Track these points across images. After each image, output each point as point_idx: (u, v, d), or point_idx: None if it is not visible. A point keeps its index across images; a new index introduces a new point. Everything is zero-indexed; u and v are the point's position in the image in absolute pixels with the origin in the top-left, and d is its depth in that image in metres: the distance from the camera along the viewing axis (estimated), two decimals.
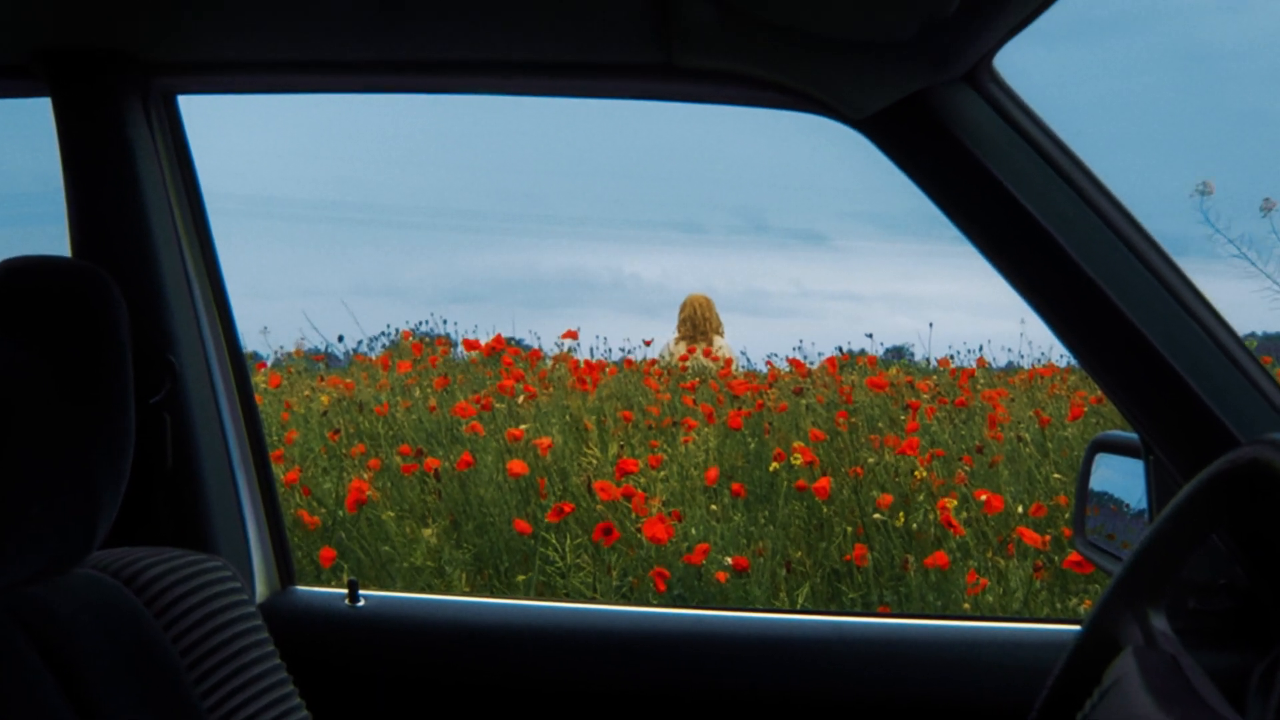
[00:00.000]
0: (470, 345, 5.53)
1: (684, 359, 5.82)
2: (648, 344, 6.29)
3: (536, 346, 6.16)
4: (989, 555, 3.43)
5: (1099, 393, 3.92)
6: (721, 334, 6.07)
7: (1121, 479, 1.37)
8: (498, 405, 4.58)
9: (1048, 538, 3.39)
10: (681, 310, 6.07)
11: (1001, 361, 6.49)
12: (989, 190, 1.21)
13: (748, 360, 6.64)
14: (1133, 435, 1.32)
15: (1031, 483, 4.04)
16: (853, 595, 3.43)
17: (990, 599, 3.20)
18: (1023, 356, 6.69)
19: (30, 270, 0.89)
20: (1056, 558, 3.41)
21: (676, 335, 6.06)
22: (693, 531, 3.64)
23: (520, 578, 3.56)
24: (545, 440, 4.04)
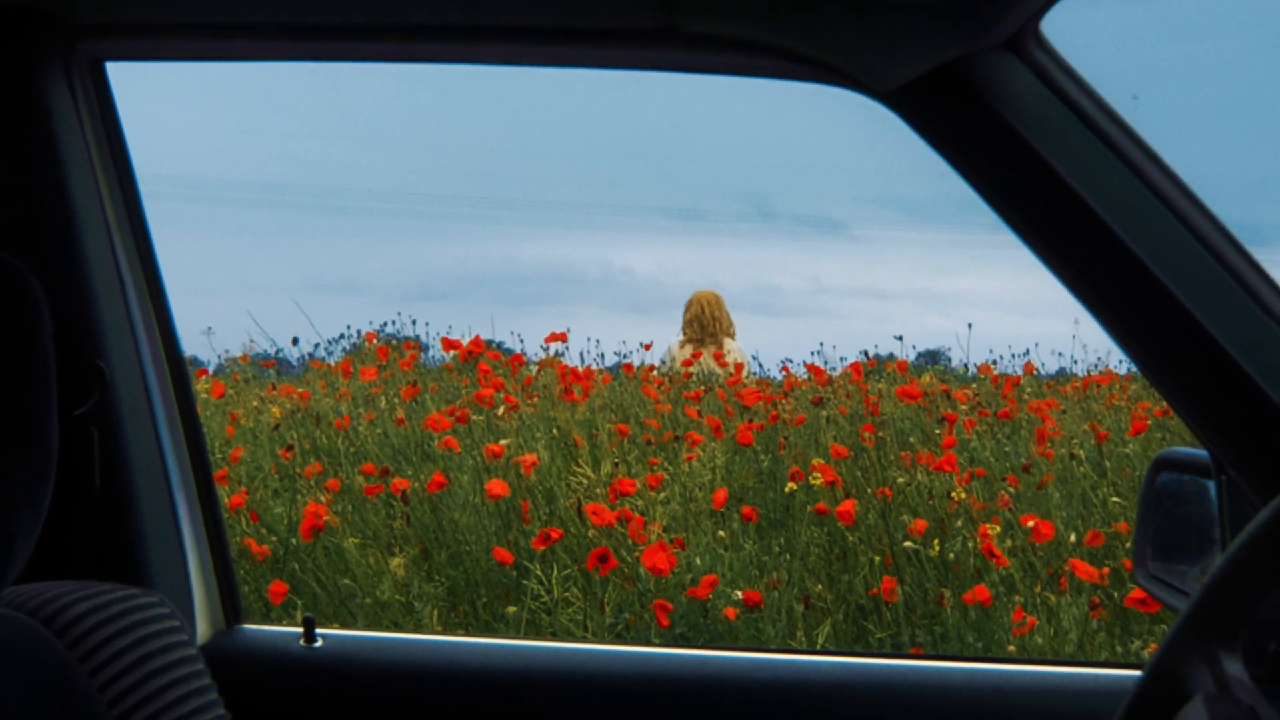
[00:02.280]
0: (449, 345, 5.53)
1: (688, 363, 5.83)
2: (647, 348, 6.30)
3: (519, 350, 6.16)
4: (1038, 590, 3.43)
5: (1164, 404, 3.92)
6: (733, 335, 6.08)
7: (1190, 502, 1.37)
8: (475, 417, 4.58)
9: (1105, 570, 3.38)
10: (687, 309, 6.08)
11: (1051, 367, 6.50)
12: (1035, 172, 1.21)
13: (760, 366, 6.65)
14: (1202, 452, 1.32)
15: (1086, 507, 4.04)
16: (880, 635, 3.42)
17: (1039, 640, 3.20)
18: (1076, 362, 6.71)
19: None
20: (1116, 594, 3.41)
21: (682, 337, 6.07)
22: (697, 561, 3.63)
23: (510, 609, 3.55)
24: (529, 457, 4.04)
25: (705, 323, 6.07)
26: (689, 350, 5.96)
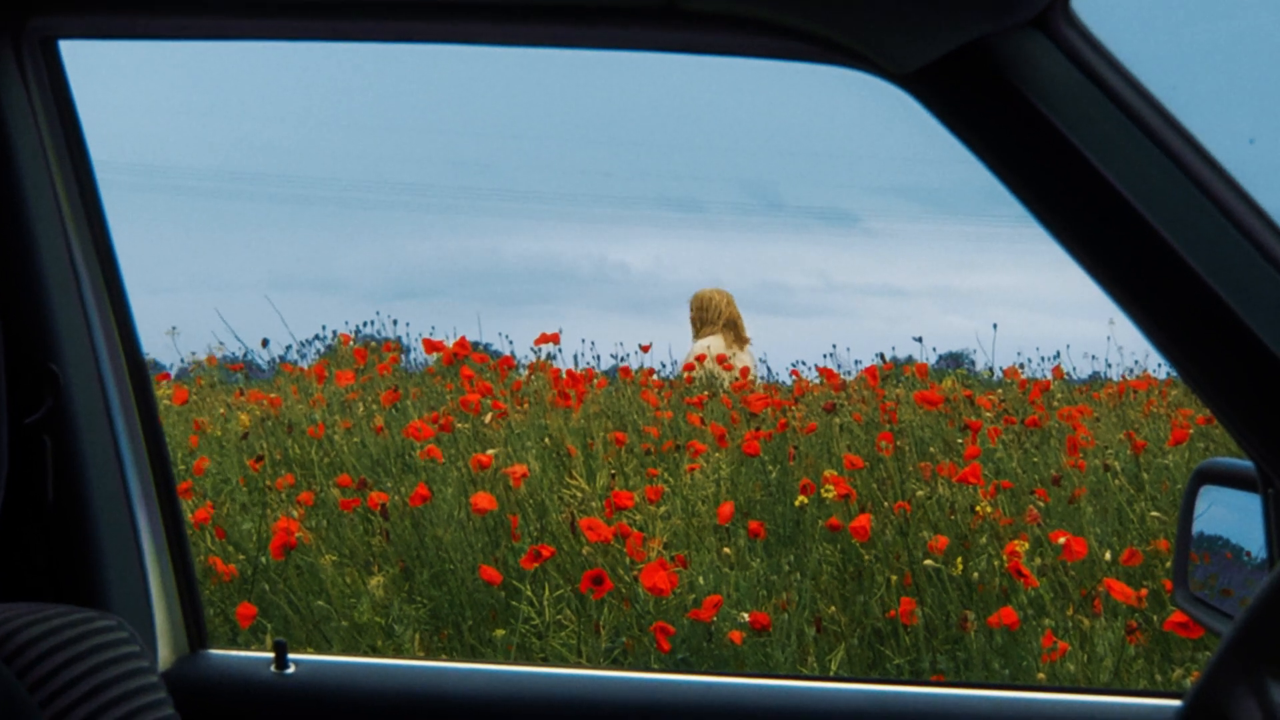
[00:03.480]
0: (432, 347, 5.53)
1: (722, 358, 5.89)
2: (645, 349, 6.31)
3: (507, 353, 6.17)
4: (1069, 613, 3.43)
5: (1206, 411, 3.92)
6: (747, 339, 6.15)
7: (1234, 517, 1.37)
8: (460, 425, 4.58)
9: (1144, 592, 3.38)
10: (705, 308, 6.15)
11: (1084, 371, 6.51)
12: (1064, 160, 1.21)
13: (768, 369, 6.66)
14: (1247, 463, 1.32)
15: (1122, 523, 4.04)
16: (898, 661, 3.42)
17: (1071, 667, 3.20)
18: (1110, 365, 6.71)
19: None
20: (1155, 617, 3.41)
21: (704, 332, 6.13)
22: (700, 581, 3.63)
23: (498, 633, 3.56)
24: (519, 468, 4.04)
25: (732, 320, 6.18)
26: (721, 342, 6.02)
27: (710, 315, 6.25)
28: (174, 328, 6.09)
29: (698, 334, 6.31)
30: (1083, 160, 1.21)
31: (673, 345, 6.85)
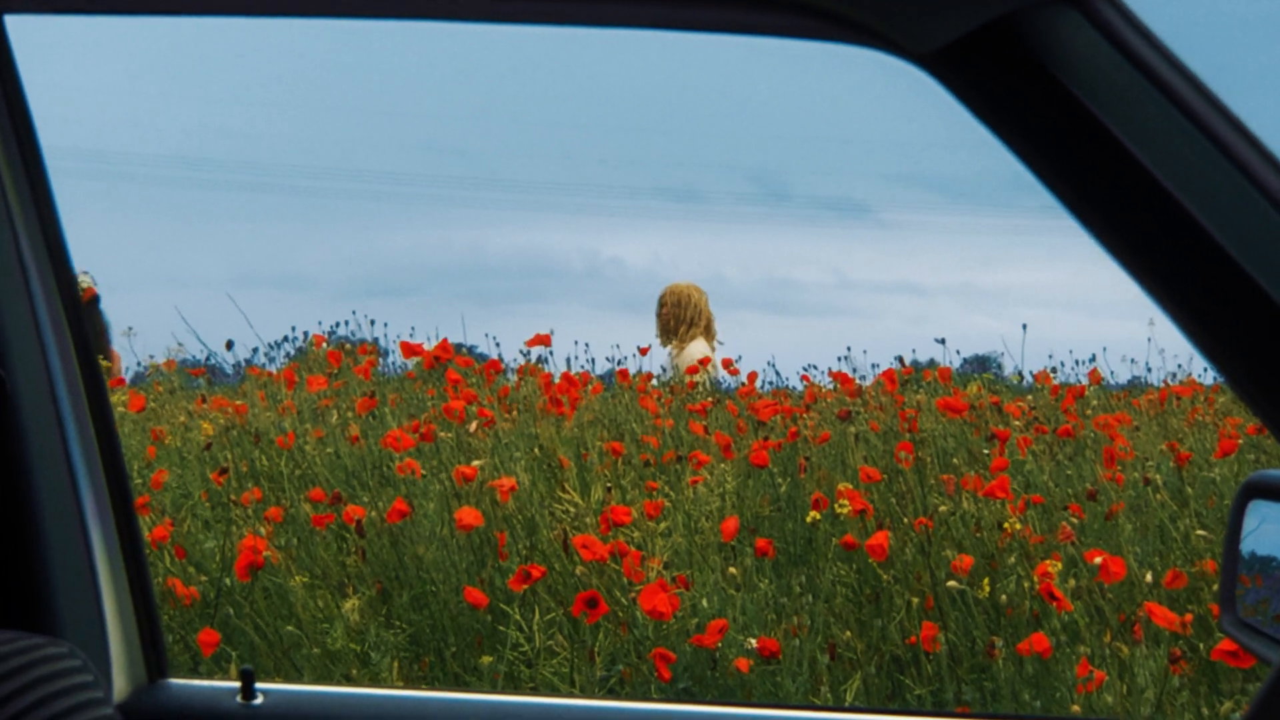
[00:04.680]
0: (410, 350, 5.53)
1: (706, 362, 5.89)
2: (643, 352, 6.31)
3: (494, 356, 6.17)
4: (1107, 640, 3.43)
5: (1257, 419, 3.92)
6: (712, 334, 6.16)
7: None
8: (442, 435, 4.58)
9: (1189, 617, 3.39)
10: (679, 306, 6.16)
11: (1122, 376, 6.50)
12: (1098, 146, 1.21)
13: (776, 373, 6.66)
14: None
15: (1165, 542, 4.04)
16: (920, 691, 3.43)
17: (1109, 699, 3.20)
18: (1151, 369, 6.72)
19: None
20: (1201, 645, 3.41)
21: (691, 334, 6.13)
22: (704, 603, 3.63)
23: (484, 660, 3.56)
24: (507, 481, 4.04)
25: (709, 321, 6.16)
26: (697, 349, 6.03)
27: (690, 314, 6.25)
28: (130, 328, 6.09)
29: (675, 335, 6.29)
30: (1119, 146, 1.21)
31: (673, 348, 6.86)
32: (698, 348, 6.20)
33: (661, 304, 6.33)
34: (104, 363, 5.69)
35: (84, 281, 6.44)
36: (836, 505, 3.94)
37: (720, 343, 6.35)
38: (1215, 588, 3.51)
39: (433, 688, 3.60)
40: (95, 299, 6.56)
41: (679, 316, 6.31)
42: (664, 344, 6.37)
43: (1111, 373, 6.52)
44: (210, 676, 1.66)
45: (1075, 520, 4.07)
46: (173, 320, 6.70)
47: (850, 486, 4.07)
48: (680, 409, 5.35)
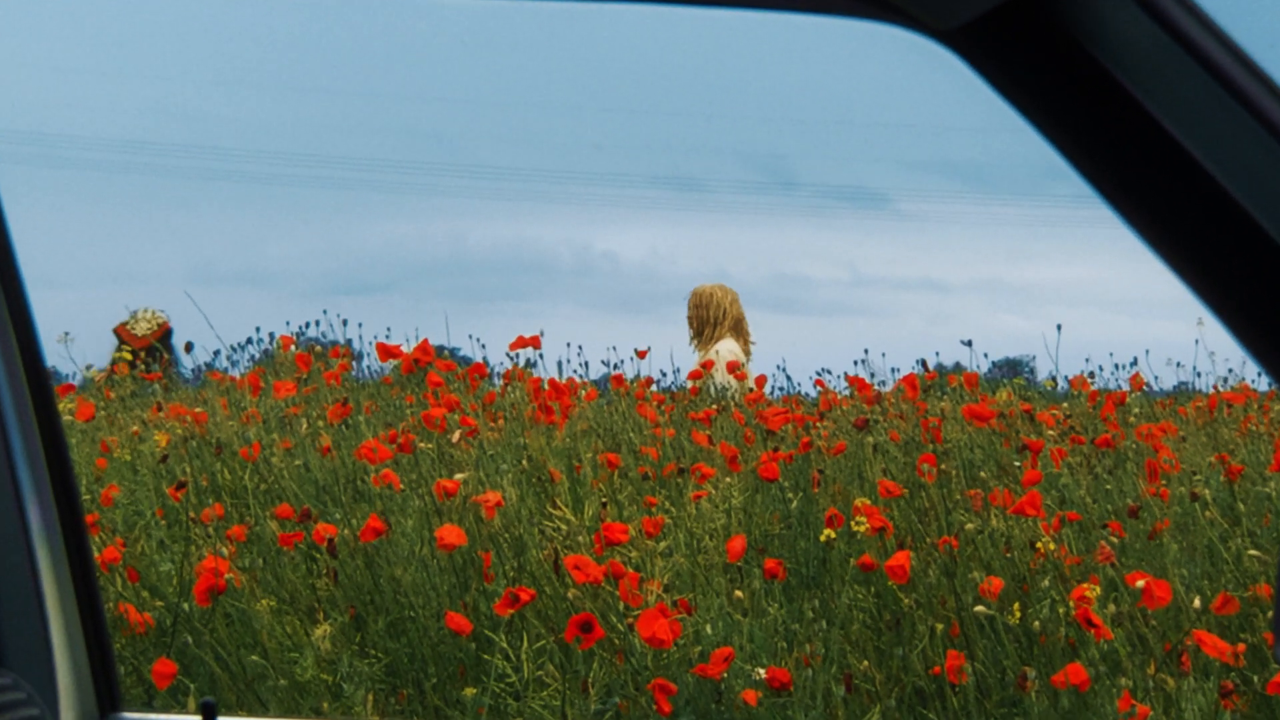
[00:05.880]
0: (386, 353, 5.54)
1: (735, 366, 5.95)
2: (641, 355, 6.32)
3: (479, 359, 6.18)
4: (1151, 671, 3.43)
5: None
6: (742, 334, 6.20)
7: None
8: (422, 445, 4.58)
9: (1241, 647, 3.39)
10: (701, 307, 6.21)
11: (1167, 382, 6.51)
12: (1137, 130, 1.21)
13: (787, 378, 6.68)
14: None
15: (1214, 563, 4.04)
16: None
17: None
18: (1199, 374, 6.72)
19: None
20: (1255, 677, 3.41)
21: (715, 335, 6.20)
22: (708, 630, 3.64)
23: (467, 692, 3.56)
24: (492, 496, 4.04)
25: (738, 321, 6.25)
26: (730, 350, 6.09)
27: (714, 315, 6.31)
28: (66, 333, 6.08)
29: (700, 337, 6.35)
30: (1158, 128, 1.21)
31: (674, 350, 6.88)
32: (726, 347, 6.26)
33: (688, 307, 6.42)
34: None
35: (159, 318, 6.60)
36: (853, 522, 3.94)
37: (753, 343, 6.41)
38: (1270, 614, 3.52)
39: None
40: (169, 333, 6.76)
41: (703, 318, 6.40)
42: (695, 349, 6.45)
43: (1155, 378, 6.54)
44: (166, 710, 1.66)
45: (1115, 539, 4.07)
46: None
47: (868, 502, 4.07)
48: (682, 417, 5.36)
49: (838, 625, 3.82)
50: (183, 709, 3.28)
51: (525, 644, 3.55)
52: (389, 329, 6.62)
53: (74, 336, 6.05)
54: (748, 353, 6.39)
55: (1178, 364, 8.54)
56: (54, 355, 6.12)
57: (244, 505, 4.54)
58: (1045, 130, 1.26)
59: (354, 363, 6.34)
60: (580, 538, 4.04)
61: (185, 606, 3.83)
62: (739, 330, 6.42)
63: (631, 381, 6.00)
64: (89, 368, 6.30)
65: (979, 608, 3.61)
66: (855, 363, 6.70)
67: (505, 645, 3.55)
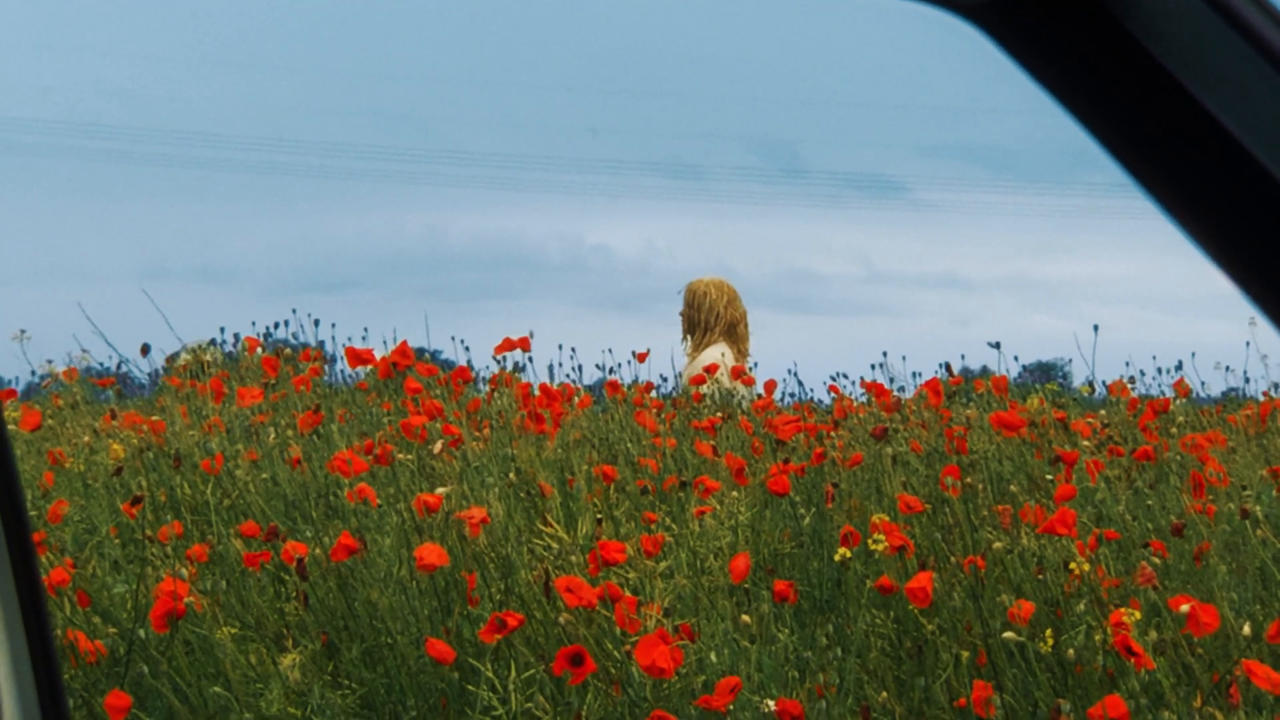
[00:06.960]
0: (356, 358, 5.54)
1: (738, 371, 5.92)
2: (641, 358, 6.32)
3: (463, 362, 6.18)
4: (1197, 704, 3.44)
5: None
6: (738, 339, 6.18)
7: None
8: (401, 457, 4.58)
9: None
10: (692, 307, 6.19)
11: (1215, 388, 6.52)
12: (1179, 113, 1.22)
13: (798, 383, 6.68)
14: None
15: (1267, 586, 4.04)
16: None
17: None
18: (1250, 380, 6.72)
19: None
20: None
21: (705, 340, 6.16)
22: (712, 658, 3.64)
23: None
24: (477, 512, 4.04)
25: (733, 325, 6.20)
26: (719, 354, 6.07)
27: (705, 318, 6.27)
28: (22, 330, 6.08)
29: (692, 339, 6.32)
30: (1204, 114, 1.22)
31: (674, 352, 6.86)
32: (711, 355, 6.20)
33: (683, 304, 6.37)
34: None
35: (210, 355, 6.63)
36: (870, 541, 3.94)
37: (750, 357, 6.36)
38: None
39: None
40: None
41: (694, 320, 6.34)
42: (685, 351, 6.41)
43: (1202, 384, 6.54)
44: None
45: (1157, 560, 4.07)
46: (74, 320, 6.67)
47: (887, 518, 4.08)
48: (684, 426, 5.36)
49: (854, 653, 3.82)
50: None
51: (513, 673, 3.55)
52: (365, 330, 6.62)
53: (29, 335, 6.06)
54: (740, 356, 6.34)
55: (1227, 368, 8.55)
56: (4, 356, 6.13)
57: (205, 522, 4.54)
58: (1079, 113, 1.26)
59: (326, 367, 6.34)
60: (573, 557, 4.04)
61: (141, 633, 3.82)
62: (734, 335, 6.34)
63: (629, 387, 6.00)
64: (49, 362, 6.29)
65: (1008, 634, 3.61)
66: (872, 366, 6.71)
67: (491, 675, 3.56)
